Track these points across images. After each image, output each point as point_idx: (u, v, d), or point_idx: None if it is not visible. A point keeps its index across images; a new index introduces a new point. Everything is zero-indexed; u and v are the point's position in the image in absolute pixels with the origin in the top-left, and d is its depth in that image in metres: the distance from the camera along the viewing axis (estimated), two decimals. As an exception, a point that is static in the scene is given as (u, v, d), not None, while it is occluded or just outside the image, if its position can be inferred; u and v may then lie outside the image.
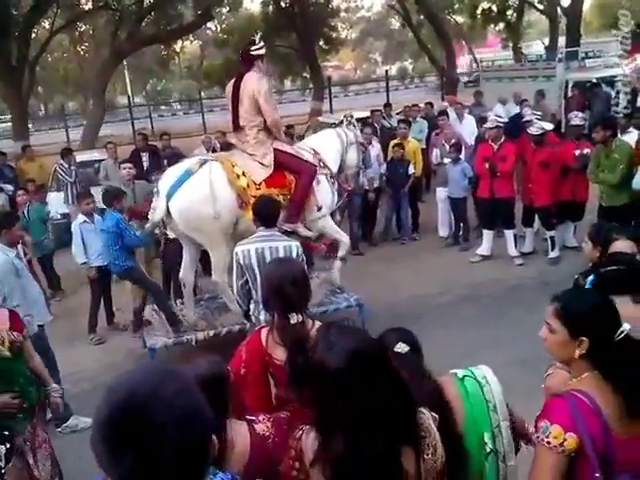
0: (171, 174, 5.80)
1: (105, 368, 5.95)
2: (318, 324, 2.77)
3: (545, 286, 7.11)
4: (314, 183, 6.06)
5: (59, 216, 10.56)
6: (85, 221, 6.99)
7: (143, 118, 24.59)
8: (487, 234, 8.19)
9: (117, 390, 1.27)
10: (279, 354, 2.69)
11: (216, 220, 5.65)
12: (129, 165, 7.88)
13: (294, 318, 2.65)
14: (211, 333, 5.77)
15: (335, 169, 6.51)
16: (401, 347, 2.21)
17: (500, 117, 8.29)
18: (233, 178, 5.74)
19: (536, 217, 8.12)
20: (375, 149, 9.05)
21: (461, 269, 7.96)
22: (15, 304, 4.95)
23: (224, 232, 5.76)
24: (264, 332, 2.78)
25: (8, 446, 3.01)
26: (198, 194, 5.59)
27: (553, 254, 7.89)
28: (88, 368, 6.06)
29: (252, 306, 4.60)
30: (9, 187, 10.63)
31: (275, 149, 5.93)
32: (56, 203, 10.71)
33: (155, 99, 38.19)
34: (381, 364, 1.82)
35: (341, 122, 7.13)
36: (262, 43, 5.93)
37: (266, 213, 4.57)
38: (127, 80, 33.39)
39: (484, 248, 8.20)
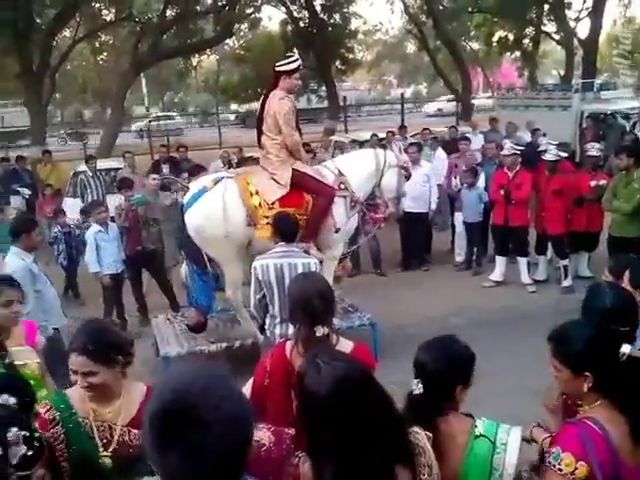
0: (190, 190, 5.94)
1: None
2: (343, 340, 2.80)
3: (558, 315, 6.97)
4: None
5: (73, 223, 10.64)
6: (100, 231, 7.06)
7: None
8: (500, 260, 8.22)
9: (169, 387, 1.32)
10: (302, 367, 2.72)
11: (227, 238, 5.75)
12: (156, 176, 8.00)
13: (320, 331, 2.67)
14: (224, 345, 5.81)
15: (361, 193, 6.33)
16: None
17: (518, 145, 8.35)
18: (246, 196, 5.81)
19: (549, 245, 8.15)
20: (425, 168, 8.91)
21: (474, 293, 7.97)
22: (27, 311, 5.02)
23: (235, 249, 5.87)
24: (289, 344, 2.80)
25: (31, 453, 2.17)
26: (211, 212, 5.71)
27: (566, 283, 7.89)
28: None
29: (268, 320, 4.65)
30: (26, 191, 10.76)
31: (294, 169, 5.95)
32: (71, 209, 10.79)
33: (171, 111, 38.49)
34: (368, 390, 1.85)
35: (364, 142, 7.10)
36: (290, 60, 5.88)
37: (285, 229, 4.65)
38: (144, 91, 33.77)
39: (497, 274, 8.22)
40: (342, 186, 6.22)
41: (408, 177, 6.78)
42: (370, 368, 2.55)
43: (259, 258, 4.58)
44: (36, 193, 11.00)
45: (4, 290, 3.48)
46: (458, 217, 9.12)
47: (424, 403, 2.16)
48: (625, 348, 2.15)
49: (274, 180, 5.91)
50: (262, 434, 2.26)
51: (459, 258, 9.22)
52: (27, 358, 3.24)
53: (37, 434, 2.16)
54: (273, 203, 5.81)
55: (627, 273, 3.27)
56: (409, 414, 2.13)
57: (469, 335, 6.97)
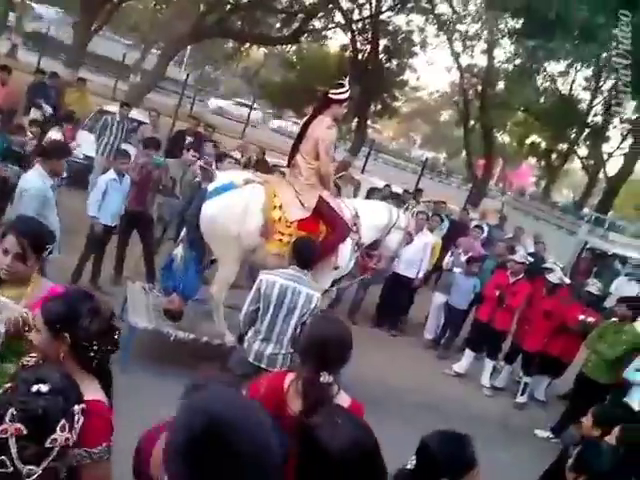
0: (218, 180, 5.93)
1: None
2: (342, 393, 2.79)
3: (503, 429, 7.20)
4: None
5: (82, 156, 10.49)
6: (114, 179, 6.98)
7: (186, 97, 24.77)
8: (469, 355, 8.28)
9: (198, 415, 1.29)
10: (296, 405, 2.70)
11: (235, 240, 5.74)
12: (196, 154, 8.23)
13: (325, 377, 2.66)
14: (191, 337, 5.73)
15: (366, 240, 6.52)
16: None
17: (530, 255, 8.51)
18: (269, 207, 5.80)
19: (519, 358, 8.24)
20: (426, 237, 8.99)
21: (434, 376, 8.01)
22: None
23: (239, 253, 5.85)
24: (289, 377, 2.78)
25: None
26: (231, 210, 5.68)
27: (521, 399, 7.98)
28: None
29: (250, 333, 4.65)
30: (49, 109, 10.60)
31: (320, 197, 6.01)
32: (84, 143, 10.63)
33: (203, 84, 38.41)
34: (376, 457, 1.92)
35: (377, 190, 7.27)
36: (343, 89, 5.99)
37: (303, 254, 4.67)
38: (186, 57, 33.70)
39: (461, 366, 8.27)
40: (354, 228, 6.32)
41: (409, 242, 7.20)
42: None
43: (268, 273, 4.59)
44: (57, 114, 10.82)
45: (6, 236, 2.75)
46: (437, 297, 9.17)
47: None
48: None
49: (299, 200, 5.94)
50: None
51: (428, 335, 9.28)
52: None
53: None
54: (291, 223, 5.83)
55: (617, 430, 3.32)
56: None
57: (421, 419, 6.96)
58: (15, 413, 1.63)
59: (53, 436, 1.67)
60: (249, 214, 5.73)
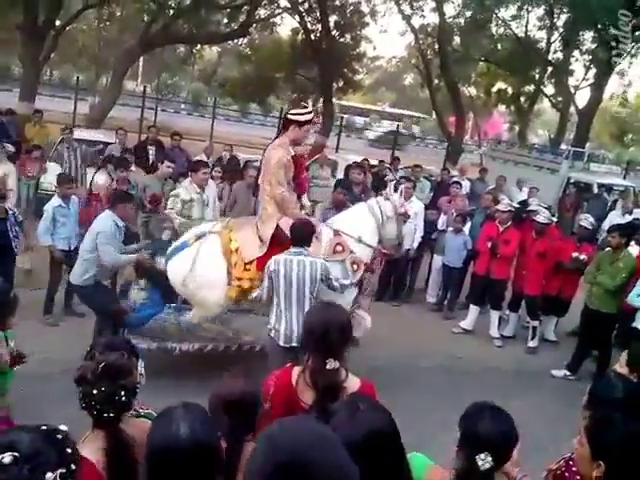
0: (179, 240, 5.92)
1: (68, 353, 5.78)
2: (351, 376, 2.76)
3: (519, 375, 7.23)
4: None
5: (54, 188, 10.32)
6: (60, 205, 6.85)
7: (148, 109, 24.48)
8: (474, 309, 8.32)
9: (280, 448, 1.32)
10: (307, 397, 2.68)
11: (198, 291, 5.65)
12: (171, 164, 8.21)
13: (331, 364, 2.64)
14: (196, 346, 5.70)
15: (367, 254, 5.85)
16: None
17: (512, 202, 8.50)
18: (227, 254, 5.55)
19: (523, 304, 8.27)
20: (415, 206, 8.66)
21: (442, 337, 8.03)
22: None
23: (212, 302, 5.69)
24: (296, 371, 2.76)
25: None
26: (180, 269, 5.64)
27: (532, 344, 8.03)
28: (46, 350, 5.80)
29: (272, 320, 4.85)
30: (11, 147, 10.40)
31: (278, 226, 5.48)
32: (52, 174, 10.47)
33: (163, 93, 38.06)
34: (395, 445, 1.89)
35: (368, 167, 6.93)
36: (304, 110, 5.72)
37: (297, 234, 4.93)
38: (140, 69, 33.29)
39: (468, 322, 8.31)
40: (339, 248, 5.64)
41: (406, 221, 6.66)
42: None
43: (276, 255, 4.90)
44: (19, 151, 10.66)
45: None
46: (437, 259, 9.19)
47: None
48: None
49: (258, 237, 5.57)
50: None
51: (431, 299, 9.31)
52: None
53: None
54: (249, 263, 5.48)
55: (624, 354, 3.31)
56: None
57: (434, 380, 6.92)
58: None
59: None
60: (201, 267, 5.54)
